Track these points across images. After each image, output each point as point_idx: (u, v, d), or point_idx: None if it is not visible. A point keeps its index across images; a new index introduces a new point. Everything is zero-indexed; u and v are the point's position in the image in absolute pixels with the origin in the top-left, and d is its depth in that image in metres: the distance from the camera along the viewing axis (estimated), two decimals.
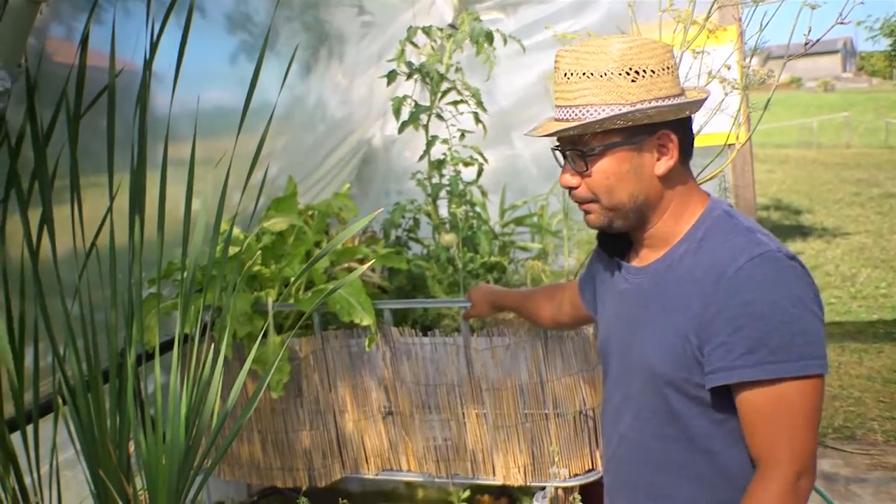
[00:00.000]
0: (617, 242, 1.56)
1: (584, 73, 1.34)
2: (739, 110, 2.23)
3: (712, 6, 2.28)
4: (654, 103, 1.32)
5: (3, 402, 1.95)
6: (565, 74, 1.37)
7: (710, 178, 2.29)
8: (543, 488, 2.44)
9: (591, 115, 1.34)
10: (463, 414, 2.50)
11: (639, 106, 1.32)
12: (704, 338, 1.31)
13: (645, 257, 1.50)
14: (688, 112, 1.39)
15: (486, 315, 2.35)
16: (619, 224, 1.45)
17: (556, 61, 1.40)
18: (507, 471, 2.47)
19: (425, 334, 2.50)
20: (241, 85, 2.78)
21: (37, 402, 2.03)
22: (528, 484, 2.47)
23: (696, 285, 1.34)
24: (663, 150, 1.38)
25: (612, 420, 1.59)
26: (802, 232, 10.13)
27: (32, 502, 1.99)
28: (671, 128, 1.37)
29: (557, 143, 1.46)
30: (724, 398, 1.34)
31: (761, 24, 2.15)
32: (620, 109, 1.32)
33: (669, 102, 1.34)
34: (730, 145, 2.97)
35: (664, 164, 1.38)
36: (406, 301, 2.68)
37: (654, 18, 2.40)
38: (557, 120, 1.40)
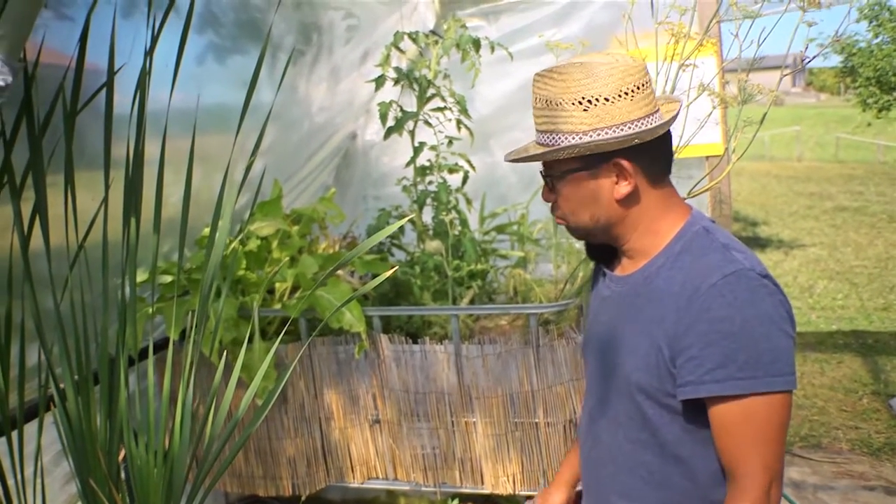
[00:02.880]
0: (602, 251, 1.60)
1: (547, 101, 1.39)
2: (736, 124, 2.25)
3: (711, 20, 2.30)
4: (605, 133, 1.36)
5: None
6: (536, 100, 1.43)
7: (706, 191, 2.30)
8: (532, 497, 2.44)
9: (553, 142, 1.40)
10: (452, 422, 2.48)
11: (585, 138, 1.36)
12: (676, 350, 1.34)
13: (626, 267, 1.53)
14: (636, 141, 1.37)
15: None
16: (592, 240, 1.54)
17: (533, 87, 1.45)
18: (496, 480, 2.46)
19: (415, 342, 2.48)
20: (214, 83, 2.75)
21: (21, 406, 1.97)
22: (516, 493, 2.47)
23: (671, 299, 1.37)
24: (621, 176, 1.40)
25: (588, 421, 1.63)
26: (760, 243, 10.29)
27: (15, 501, 1.94)
28: (627, 155, 1.38)
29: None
30: (695, 408, 1.38)
31: (758, 40, 2.18)
32: (572, 139, 1.37)
33: (617, 133, 1.36)
34: (713, 157, 3.01)
35: (623, 189, 1.40)
36: (396, 308, 2.65)
37: (641, 28, 2.41)
38: (536, 143, 1.47)
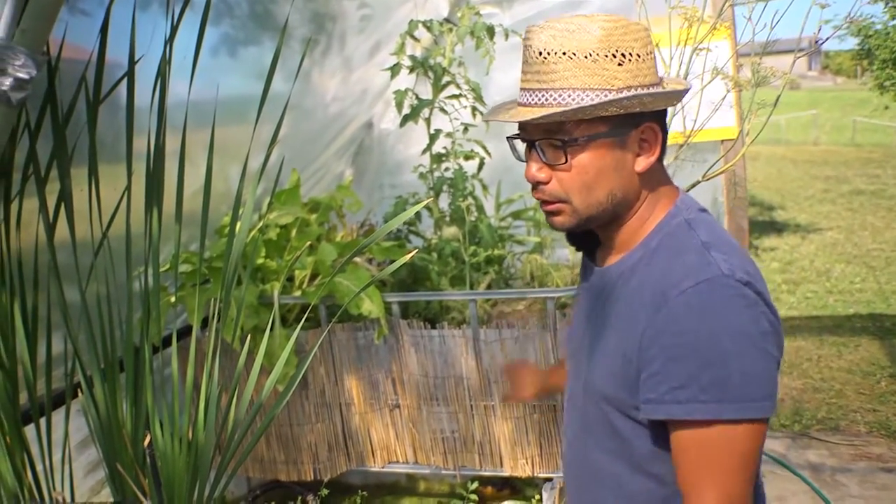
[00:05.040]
0: (583, 238, 1.44)
1: (564, 53, 1.17)
2: (750, 107, 2.26)
3: (724, 4, 2.31)
4: (642, 90, 1.19)
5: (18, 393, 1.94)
6: (540, 53, 1.19)
7: (721, 173, 2.32)
8: (551, 479, 2.47)
9: (574, 99, 1.17)
10: (471, 406, 2.51)
11: (628, 93, 1.17)
12: (642, 363, 1.19)
13: (605, 258, 1.37)
14: (675, 102, 1.26)
15: (531, 400, 2.13)
16: (589, 225, 1.31)
17: (526, 37, 1.22)
18: (514, 462, 2.49)
19: (433, 327, 2.51)
20: (226, 75, 2.78)
21: (48, 394, 2.01)
22: (535, 475, 2.49)
23: (641, 304, 1.21)
24: (645, 145, 1.24)
25: (567, 420, 1.49)
26: (776, 228, 10.26)
27: (45, 490, 1.99)
28: (656, 119, 1.24)
29: (518, 131, 1.29)
30: (665, 424, 1.22)
31: (771, 22, 2.18)
32: (606, 96, 1.17)
33: (659, 90, 1.21)
34: (728, 141, 3.02)
35: (645, 161, 1.24)
36: (415, 294, 2.68)
37: (654, 13, 2.42)
38: (525, 105, 1.23)
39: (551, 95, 1.19)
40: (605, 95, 1.17)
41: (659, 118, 1.25)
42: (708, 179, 2.33)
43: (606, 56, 1.16)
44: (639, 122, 1.21)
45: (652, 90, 1.20)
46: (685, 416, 1.13)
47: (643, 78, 1.19)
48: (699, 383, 1.11)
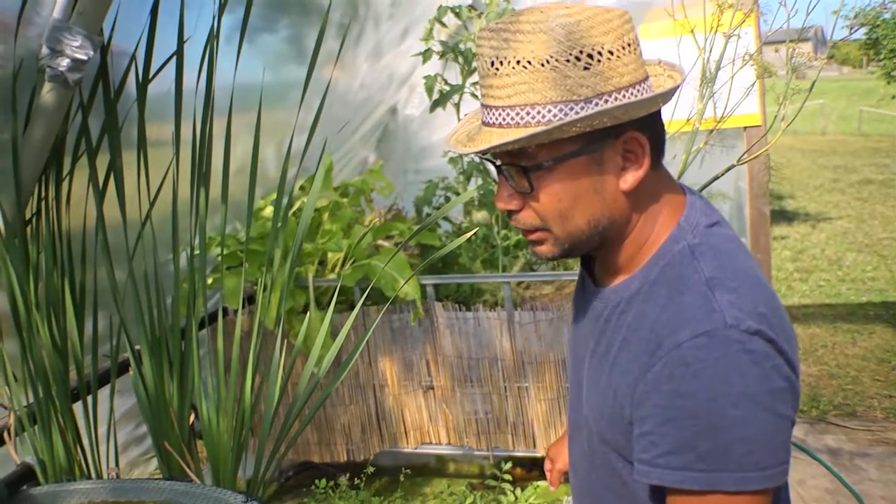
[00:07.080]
0: None
1: (518, 62, 0.98)
2: (785, 93, 2.28)
3: None
4: (616, 97, 0.99)
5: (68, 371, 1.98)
6: (492, 63, 1.01)
7: (756, 157, 2.34)
8: None
9: (534, 118, 0.98)
10: (505, 387, 2.54)
11: (598, 103, 0.98)
12: (635, 416, 1.05)
13: (603, 277, 1.20)
14: (661, 103, 1.05)
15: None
16: (577, 254, 1.14)
17: (477, 45, 1.02)
18: (548, 443, 2.52)
19: (468, 309, 2.54)
20: (255, 59, 2.80)
21: (95, 370, 2.05)
22: None
23: (638, 346, 1.05)
24: (630, 157, 1.04)
25: (570, 438, 1.33)
26: (787, 217, 10.27)
27: (91, 466, 2.03)
28: (639, 126, 1.02)
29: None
30: None
31: (807, 10, 2.21)
32: (572, 108, 0.98)
33: (639, 97, 1.00)
34: (750, 127, 3.04)
35: (632, 176, 1.04)
36: (451, 276, 2.70)
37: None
38: (488, 124, 1.05)
39: (508, 114, 1.01)
40: (571, 108, 0.98)
41: (645, 124, 1.04)
42: (743, 164, 2.35)
43: (568, 60, 0.96)
44: (618, 132, 1.02)
45: (630, 94, 1.00)
46: (678, 484, 1.00)
47: (619, 79, 0.99)
48: (695, 451, 0.97)
